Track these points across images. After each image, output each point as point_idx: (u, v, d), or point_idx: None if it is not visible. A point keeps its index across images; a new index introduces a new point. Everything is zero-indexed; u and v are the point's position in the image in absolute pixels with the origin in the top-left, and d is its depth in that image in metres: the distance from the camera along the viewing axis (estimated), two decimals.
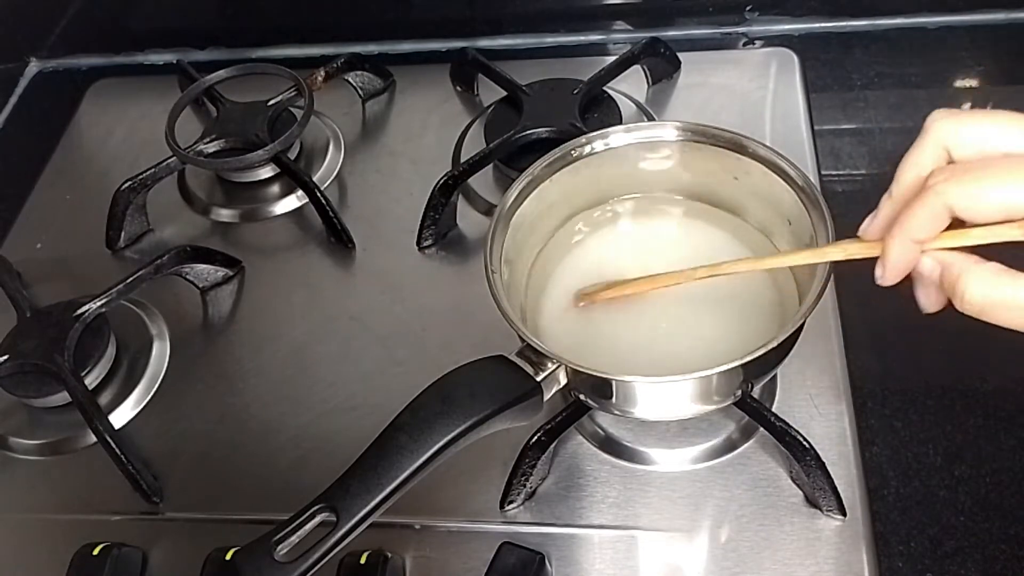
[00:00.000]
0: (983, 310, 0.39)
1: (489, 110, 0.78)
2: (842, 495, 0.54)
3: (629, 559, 0.55)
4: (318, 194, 0.72)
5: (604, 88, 0.77)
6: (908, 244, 0.40)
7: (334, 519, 0.43)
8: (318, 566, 0.42)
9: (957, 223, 0.40)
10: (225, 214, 0.77)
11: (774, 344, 0.47)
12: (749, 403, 0.54)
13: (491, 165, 0.73)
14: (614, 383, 0.49)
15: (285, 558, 0.42)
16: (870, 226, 0.44)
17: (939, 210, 0.38)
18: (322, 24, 0.89)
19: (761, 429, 0.56)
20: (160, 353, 0.68)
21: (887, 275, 0.42)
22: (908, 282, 0.43)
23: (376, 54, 0.87)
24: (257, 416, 0.64)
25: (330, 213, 0.72)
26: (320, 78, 0.80)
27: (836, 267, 0.48)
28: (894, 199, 0.42)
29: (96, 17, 0.92)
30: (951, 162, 0.40)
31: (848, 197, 0.71)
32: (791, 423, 0.53)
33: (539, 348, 0.48)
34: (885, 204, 0.42)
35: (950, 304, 0.41)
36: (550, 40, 0.86)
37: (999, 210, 0.38)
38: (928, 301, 0.43)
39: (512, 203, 0.56)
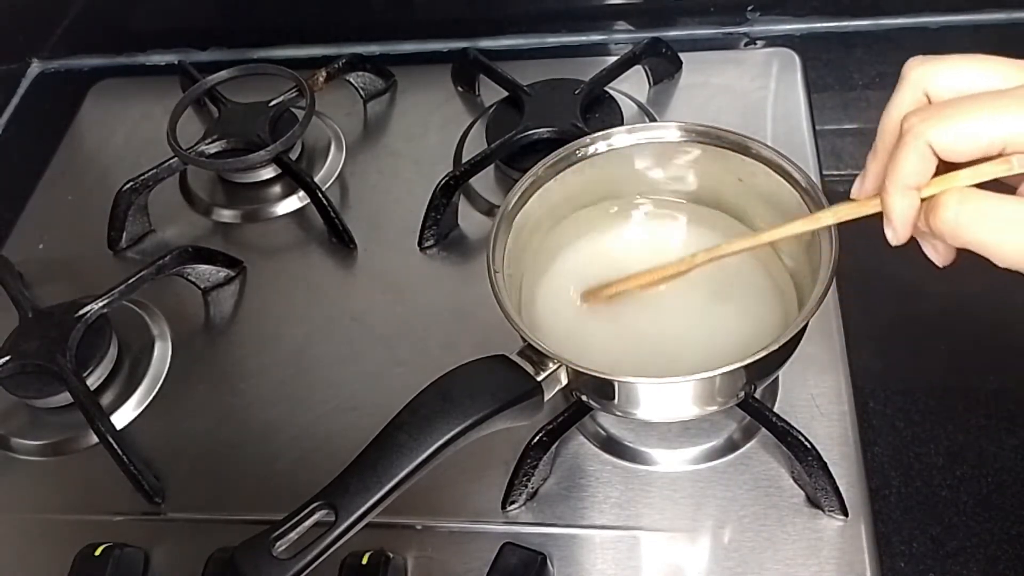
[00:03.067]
0: (958, 223, 0.37)
1: (490, 110, 0.78)
2: (844, 495, 0.54)
3: (631, 559, 0.54)
4: (319, 194, 0.72)
5: (605, 88, 0.77)
6: (905, 192, 0.38)
7: (333, 517, 0.43)
8: (316, 563, 0.42)
9: (942, 169, 0.38)
10: (227, 215, 0.77)
11: (777, 346, 0.47)
12: (751, 404, 0.54)
13: (492, 165, 0.73)
14: (616, 384, 0.49)
15: (284, 555, 0.42)
16: (861, 186, 0.42)
17: (923, 151, 0.37)
18: (323, 24, 0.89)
19: (763, 429, 0.55)
20: (162, 354, 0.68)
21: (897, 231, 0.39)
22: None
23: (377, 54, 0.87)
24: (259, 416, 0.64)
25: (331, 213, 0.72)
26: (321, 78, 0.80)
27: (838, 266, 0.48)
28: (879, 154, 0.40)
29: (98, 18, 0.92)
30: None
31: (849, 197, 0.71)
32: (793, 423, 0.53)
33: (540, 348, 0.48)
34: (871, 161, 0.41)
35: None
36: (551, 40, 0.86)
37: (976, 146, 0.37)
38: (936, 254, 0.41)
39: (515, 203, 0.55)
